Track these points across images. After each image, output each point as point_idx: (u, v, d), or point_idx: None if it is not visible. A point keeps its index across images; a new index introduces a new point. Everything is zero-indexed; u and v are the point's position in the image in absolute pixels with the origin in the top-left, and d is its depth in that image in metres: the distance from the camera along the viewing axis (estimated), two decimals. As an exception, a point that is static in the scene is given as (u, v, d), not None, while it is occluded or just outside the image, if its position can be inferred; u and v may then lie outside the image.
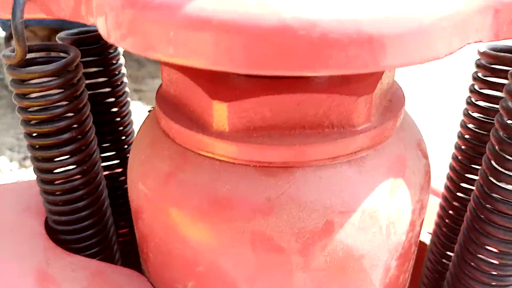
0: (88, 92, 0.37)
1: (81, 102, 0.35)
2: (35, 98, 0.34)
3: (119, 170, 0.46)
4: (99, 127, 0.42)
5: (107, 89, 0.43)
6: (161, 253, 0.33)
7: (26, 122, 0.34)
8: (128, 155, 0.45)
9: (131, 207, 0.37)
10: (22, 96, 0.34)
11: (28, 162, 0.83)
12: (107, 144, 0.45)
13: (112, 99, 0.43)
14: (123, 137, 0.46)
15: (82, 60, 0.37)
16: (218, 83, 0.30)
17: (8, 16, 0.32)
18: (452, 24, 0.23)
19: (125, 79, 0.44)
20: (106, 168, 0.45)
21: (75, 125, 0.35)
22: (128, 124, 0.46)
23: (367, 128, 0.29)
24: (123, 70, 0.43)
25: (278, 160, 0.29)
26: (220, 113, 0.29)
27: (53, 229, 0.39)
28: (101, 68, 0.42)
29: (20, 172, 0.82)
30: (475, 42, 0.26)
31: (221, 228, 0.29)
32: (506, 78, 0.35)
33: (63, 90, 0.34)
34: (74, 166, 0.37)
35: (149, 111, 0.39)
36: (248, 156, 0.29)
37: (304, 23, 0.21)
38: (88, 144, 0.37)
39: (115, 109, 0.44)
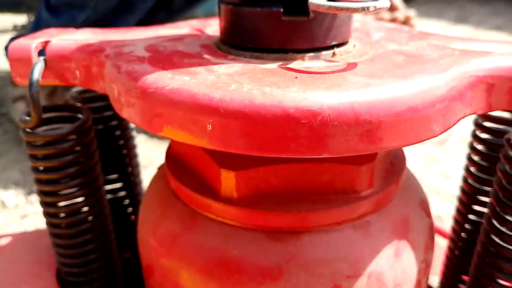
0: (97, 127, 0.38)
1: (93, 160, 0.37)
2: (48, 159, 0.35)
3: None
4: (106, 161, 0.43)
5: (115, 122, 0.44)
6: (172, 311, 0.34)
7: (39, 181, 0.36)
8: (133, 185, 0.47)
9: (142, 262, 0.38)
10: (35, 157, 0.35)
11: (34, 198, 0.85)
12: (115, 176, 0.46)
13: (119, 132, 0.44)
14: (129, 169, 0.47)
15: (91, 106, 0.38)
16: (225, 151, 0.32)
17: (26, 83, 0.34)
18: (446, 105, 0.25)
19: (134, 133, 0.45)
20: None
21: (86, 181, 0.37)
22: (134, 156, 0.47)
23: (370, 194, 0.31)
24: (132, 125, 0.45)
25: (285, 226, 0.30)
26: (228, 181, 0.31)
27: (65, 280, 0.40)
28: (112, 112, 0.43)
29: (26, 208, 0.83)
30: (470, 114, 0.28)
31: (231, 291, 0.30)
32: (502, 137, 0.36)
33: (76, 150, 0.35)
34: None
35: (158, 168, 0.41)
36: (256, 221, 0.31)
37: (306, 113, 0.22)
38: (99, 199, 0.38)
39: (121, 141, 0.45)
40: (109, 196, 0.46)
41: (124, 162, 0.45)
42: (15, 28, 1.84)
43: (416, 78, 0.25)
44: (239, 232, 0.31)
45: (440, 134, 0.25)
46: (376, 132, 0.23)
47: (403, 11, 0.94)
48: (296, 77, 0.25)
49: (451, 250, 0.43)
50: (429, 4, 2.49)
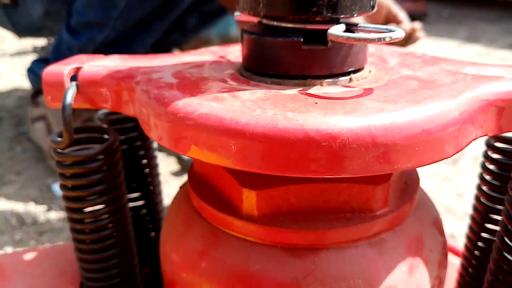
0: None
1: (119, 179, 0.39)
2: (76, 177, 0.37)
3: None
4: (130, 179, 0.45)
5: (139, 143, 0.46)
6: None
7: (67, 198, 0.38)
8: (155, 204, 0.48)
9: (164, 278, 0.39)
10: (64, 175, 0.37)
11: (52, 214, 0.87)
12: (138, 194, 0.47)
13: (143, 152, 0.46)
14: (151, 187, 0.48)
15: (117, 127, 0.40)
16: (247, 171, 0.33)
17: (59, 106, 0.36)
18: (458, 128, 0.26)
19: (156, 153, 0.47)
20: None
21: (111, 199, 0.39)
22: (156, 175, 0.49)
23: (385, 212, 0.32)
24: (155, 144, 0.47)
25: (303, 242, 0.32)
26: (250, 199, 0.32)
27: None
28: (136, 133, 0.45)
29: (44, 225, 0.85)
30: (481, 136, 0.29)
31: (252, 306, 0.32)
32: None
33: (103, 169, 0.37)
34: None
35: (180, 187, 0.42)
36: (276, 238, 0.32)
37: (326, 136, 0.24)
38: (122, 217, 0.40)
39: (145, 161, 0.47)
40: (131, 213, 0.47)
41: (146, 181, 0.47)
42: (34, 49, 1.89)
43: (429, 102, 0.26)
44: (260, 248, 0.33)
45: (453, 155, 0.27)
46: (392, 153, 0.24)
47: (408, 24, 0.95)
48: (316, 103, 0.27)
49: (464, 267, 0.44)
50: (440, 23, 2.52)
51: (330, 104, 0.27)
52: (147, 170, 0.47)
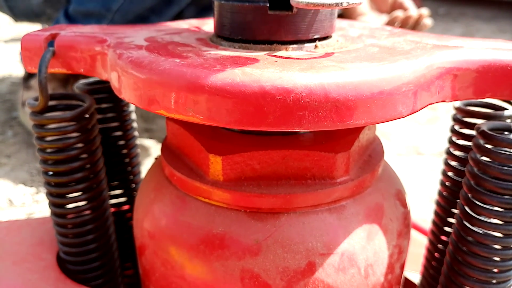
0: (101, 135, 0.41)
1: (94, 145, 0.39)
2: (53, 140, 0.38)
3: (127, 207, 0.50)
4: (110, 167, 0.46)
5: (119, 133, 0.47)
6: (161, 287, 0.36)
7: (44, 162, 0.39)
8: (134, 193, 0.49)
9: (136, 244, 0.40)
10: (42, 138, 0.38)
11: (40, 197, 0.87)
12: (116, 183, 0.48)
13: (123, 142, 0.47)
14: (131, 176, 0.49)
15: (96, 106, 0.41)
16: (214, 139, 0.34)
17: (35, 70, 0.37)
18: (412, 90, 0.27)
19: (135, 124, 0.48)
20: (114, 205, 0.49)
21: (87, 165, 0.39)
22: (136, 164, 0.49)
23: (346, 180, 0.33)
24: (133, 116, 0.48)
25: (265, 207, 0.33)
26: (215, 165, 0.33)
27: (64, 261, 0.42)
28: (114, 114, 0.46)
29: (33, 206, 0.86)
30: (438, 102, 0.30)
31: (214, 265, 0.33)
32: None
33: (78, 134, 0.38)
34: (85, 202, 0.40)
35: (155, 159, 0.43)
36: (239, 202, 0.33)
37: (280, 90, 0.25)
38: (99, 182, 0.41)
39: (125, 151, 0.48)
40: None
41: (125, 163, 0.48)
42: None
43: (384, 64, 0.27)
44: (224, 212, 0.34)
45: (407, 116, 0.27)
46: (344, 110, 0.25)
47: (415, 10, 0.95)
48: (276, 61, 0.28)
49: (431, 243, 0.45)
50: (436, 21, 2.52)
51: (288, 63, 0.27)
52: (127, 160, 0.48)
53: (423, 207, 0.84)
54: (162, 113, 0.28)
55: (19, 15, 1.06)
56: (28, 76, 1.04)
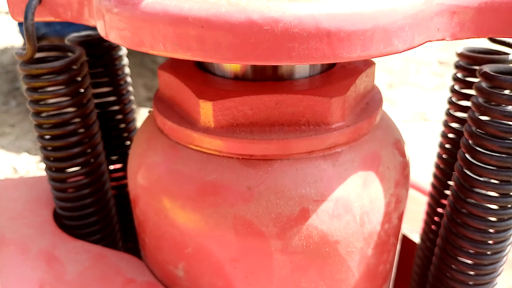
0: (93, 91, 0.40)
1: (86, 97, 0.39)
2: (43, 92, 0.37)
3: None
4: (104, 127, 0.45)
5: (110, 88, 0.46)
6: (154, 237, 0.36)
7: (36, 114, 0.38)
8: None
9: (130, 196, 0.40)
10: (33, 89, 0.37)
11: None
12: (112, 144, 0.48)
13: (115, 98, 0.46)
14: (127, 142, 0.48)
15: (87, 59, 0.40)
16: (205, 85, 0.33)
17: (21, 19, 0.36)
18: (409, 23, 0.25)
19: (129, 79, 0.47)
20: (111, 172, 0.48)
21: (79, 118, 0.39)
22: (132, 129, 0.49)
23: (341, 127, 0.32)
24: (127, 70, 0.46)
25: (258, 153, 0.32)
26: (206, 110, 0.32)
27: (60, 216, 0.42)
28: (105, 68, 0.45)
29: (37, 174, 0.86)
30: (438, 40, 0.28)
31: (206, 212, 0.32)
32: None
33: (68, 85, 0.37)
34: (79, 157, 0.40)
35: (149, 112, 0.42)
36: (231, 149, 0.32)
37: (268, 20, 0.24)
38: (92, 136, 0.40)
39: (117, 107, 0.46)
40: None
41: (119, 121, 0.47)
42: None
43: (379, -3, 0.26)
44: (216, 160, 0.33)
45: (403, 51, 0.26)
46: (336, 41, 0.24)
47: None
48: (264, -7, 0.26)
49: (430, 206, 0.44)
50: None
51: (277, -6, 0.26)
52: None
53: (429, 173, 0.83)
54: (147, 51, 0.27)
55: None
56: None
